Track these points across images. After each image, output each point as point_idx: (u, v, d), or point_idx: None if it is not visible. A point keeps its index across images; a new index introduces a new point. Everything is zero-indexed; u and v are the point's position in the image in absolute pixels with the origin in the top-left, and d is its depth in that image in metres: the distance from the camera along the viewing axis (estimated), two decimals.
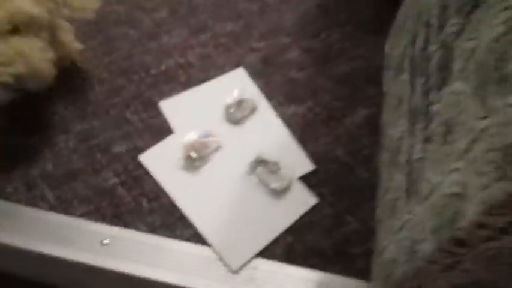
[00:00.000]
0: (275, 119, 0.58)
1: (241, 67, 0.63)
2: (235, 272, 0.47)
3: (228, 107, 0.57)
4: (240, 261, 0.48)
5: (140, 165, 0.54)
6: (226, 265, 0.48)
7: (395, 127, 0.49)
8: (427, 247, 0.31)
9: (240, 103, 0.58)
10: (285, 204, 0.51)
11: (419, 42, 0.46)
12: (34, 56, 0.51)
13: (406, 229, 0.37)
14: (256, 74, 0.62)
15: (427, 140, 0.36)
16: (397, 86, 0.53)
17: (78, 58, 0.62)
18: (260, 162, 0.53)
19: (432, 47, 0.40)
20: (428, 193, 0.33)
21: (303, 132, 0.57)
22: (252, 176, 0.53)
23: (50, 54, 0.53)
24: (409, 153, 0.41)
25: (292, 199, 0.52)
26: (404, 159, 0.43)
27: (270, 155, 0.54)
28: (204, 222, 0.50)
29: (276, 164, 0.53)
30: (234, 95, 0.58)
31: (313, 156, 0.55)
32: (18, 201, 0.52)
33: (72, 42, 0.60)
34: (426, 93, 0.39)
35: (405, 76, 0.49)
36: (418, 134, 0.39)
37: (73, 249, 0.48)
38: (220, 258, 0.48)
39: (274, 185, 0.52)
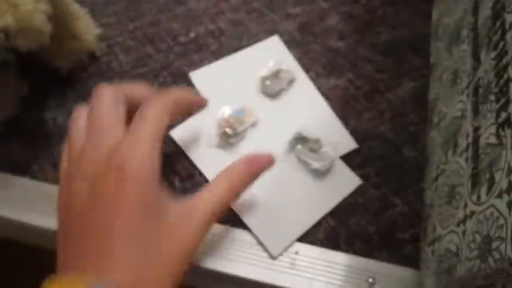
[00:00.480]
0: (314, 92, 0.54)
1: (276, 35, 0.58)
2: (275, 257, 0.45)
3: (263, 79, 0.53)
4: (280, 247, 0.45)
5: (171, 141, 0.51)
6: (265, 250, 0.45)
7: (451, 104, 0.45)
8: (509, 248, 0.28)
9: (276, 74, 0.53)
10: (326, 186, 0.48)
11: (485, 10, 0.41)
12: (25, 6, 0.42)
13: (473, 221, 0.34)
14: (293, 43, 0.58)
15: (505, 124, 0.32)
16: (451, 57, 0.48)
17: (96, 47, 0.57)
18: (300, 139, 0.50)
19: (508, 17, 0.35)
20: (510, 187, 0.29)
21: (344, 107, 0.53)
22: (291, 155, 0.50)
23: (45, 6, 0.44)
24: (474, 136, 0.37)
25: (334, 180, 0.48)
26: (465, 142, 0.39)
27: (310, 131, 0.50)
28: (242, 203, 0.47)
29: (317, 141, 0.49)
30: (270, 65, 0.54)
31: (355, 133, 0.51)
32: (45, 179, 0.49)
33: (90, 32, 0.55)
34: (501, 69, 0.35)
35: (464, 47, 0.44)
36: (489, 116, 0.35)
37: None
38: (260, 243, 0.45)
39: (316, 165, 0.48)
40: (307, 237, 0.46)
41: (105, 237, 0.35)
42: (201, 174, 0.49)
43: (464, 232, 0.35)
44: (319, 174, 0.48)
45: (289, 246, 0.45)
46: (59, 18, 0.47)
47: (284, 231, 0.46)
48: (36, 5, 0.41)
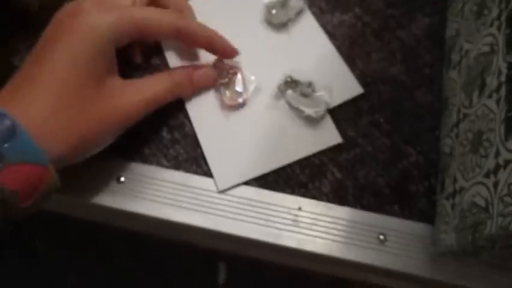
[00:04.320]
0: (318, 29, 0.48)
1: None
2: (221, 191, 0.41)
3: (269, 7, 0.47)
4: (228, 183, 0.42)
5: None
6: (267, 206, 0.41)
7: (476, 39, 0.39)
8: None
9: (284, 2, 0.47)
10: (304, 135, 0.43)
11: None
12: None
13: (507, 172, 0.29)
14: None
15: None
16: None
17: None
18: (290, 83, 0.44)
19: None
20: None
21: (351, 47, 0.47)
22: (282, 101, 0.44)
23: None
24: (509, 73, 0.32)
25: (315, 131, 0.43)
26: (496, 80, 0.34)
27: (302, 74, 0.44)
28: (209, 140, 0.44)
29: (310, 85, 0.43)
30: None
31: (363, 76, 0.46)
32: None
33: None
34: None
35: None
36: None
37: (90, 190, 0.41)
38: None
39: (309, 111, 0.43)
40: (311, 191, 0.42)
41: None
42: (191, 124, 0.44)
43: (496, 184, 0.31)
44: (313, 121, 0.43)
45: (238, 184, 0.42)
46: None
47: (238, 170, 0.42)
48: None
